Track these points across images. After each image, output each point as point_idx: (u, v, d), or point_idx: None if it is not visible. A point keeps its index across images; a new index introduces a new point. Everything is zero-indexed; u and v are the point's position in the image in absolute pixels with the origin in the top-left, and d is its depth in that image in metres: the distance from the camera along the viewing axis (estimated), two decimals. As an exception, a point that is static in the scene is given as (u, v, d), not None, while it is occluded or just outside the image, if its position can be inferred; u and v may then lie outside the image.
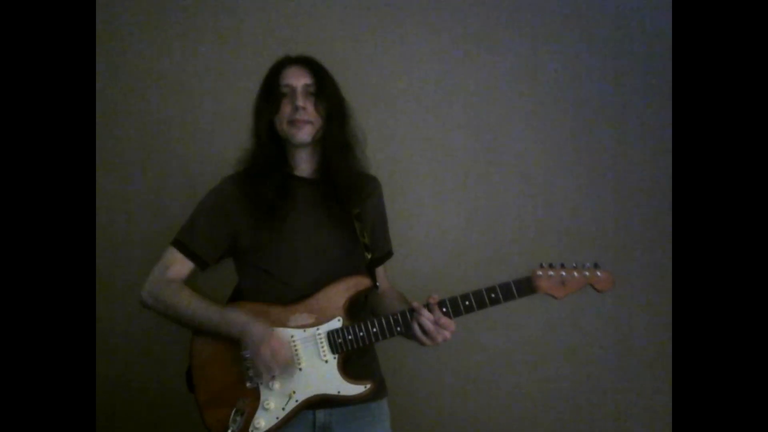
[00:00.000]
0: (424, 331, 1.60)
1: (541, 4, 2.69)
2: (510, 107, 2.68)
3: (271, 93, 1.71)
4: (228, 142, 2.36)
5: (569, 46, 2.70)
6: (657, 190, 2.66)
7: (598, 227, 2.68)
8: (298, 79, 1.70)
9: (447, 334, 1.60)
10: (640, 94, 2.69)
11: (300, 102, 1.68)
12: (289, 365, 1.60)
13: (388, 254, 1.89)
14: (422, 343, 1.62)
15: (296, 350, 1.62)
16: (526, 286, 1.63)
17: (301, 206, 1.70)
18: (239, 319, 1.60)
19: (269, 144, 1.72)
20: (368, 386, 1.63)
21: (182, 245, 1.70)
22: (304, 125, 1.69)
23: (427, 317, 1.60)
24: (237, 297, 1.74)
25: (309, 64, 1.74)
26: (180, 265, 1.69)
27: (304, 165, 1.75)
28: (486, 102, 2.67)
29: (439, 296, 1.62)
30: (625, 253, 2.66)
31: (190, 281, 1.70)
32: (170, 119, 2.53)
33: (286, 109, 1.69)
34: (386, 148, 2.54)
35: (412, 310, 1.62)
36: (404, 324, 1.62)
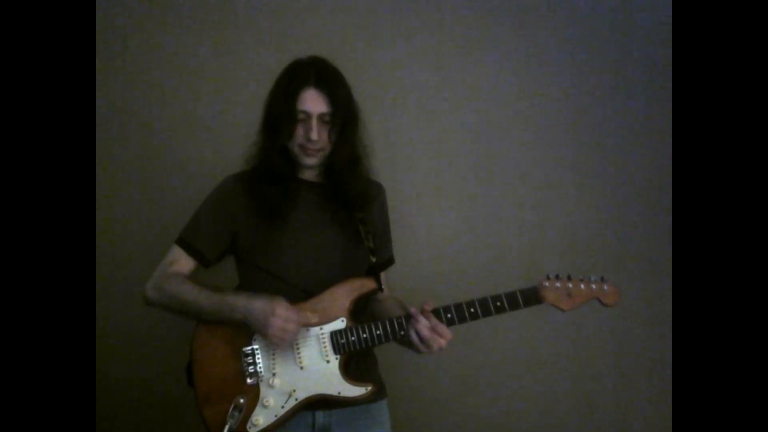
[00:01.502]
0: (421, 338, 1.60)
1: (541, 4, 2.70)
2: (510, 108, 2.69)
3: (287, 117, 1.66)
4: (228, 142, 2.37)
5: (569, 46, 2.70)
6: (657, 190, 2.67)
7: (599, 229, 2.68)
8: (315, 107, 1.66)
9: (442, 342, 1.60)
10: (640, 94, 2.70)
11: (314, 135, 1.65)
12: (305, 324, 1.59)
13: (390, 261, 1.89)
14: (417, 350, 1.62)
15: (298, 349, 1.62)
16: (532, 297, 1.63)
17: (303, 207, 1.71)
18: (240, 301, 1.60)
19: (280, 155, 1.70)
20: (369, 388, 1.63)
21: (186, 243, 1.71)
22: (315, 153, 1.69)
23: (423, 324, 1.59)
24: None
25: (326, 89, 1.68)
26: (183, 263, 1.70)
27: (309, 171, 1.76)
28: (486, 104, 2.67)
29: (440, 302, 1.62)
30: (625, 256, 2.66)
31: (192, 279, 1.71)
32: (170, 119, 2.53)
33: (299, 133, 1.67)
34: (386, 151, 2.53)
35: (409, 317, 1.61)
36: (408, 328, 1.62)
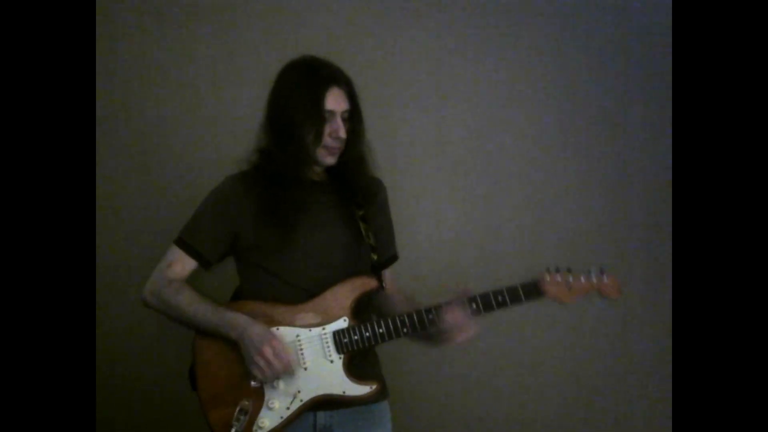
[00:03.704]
0: (454, 326, 1.60)
1: (541, 5, 2.70)
2: (510, 107, 2.69)
3: (316, 120, 1.64)
4: (228, 143, 2.37)
5: (569, 46, 2.70)
6: (657, 190, 2.67)
7: (598, 228, 2.68)
8: (339, 105, 1.66)
9: (471, 332, 1.61)
10: (640, 94, 2.70)
11: (343, 133, 1.66)
12: (291, 366, 1.59)
13: (393, 258, 1.89)
14: (438, 344, 1.62)
15: (301, 350, 1.62)
16: (533, 291, 1.64)
17: (307, 207, 1.69)
18: (239, 320, 1.60)
19: (298, 156, 1.67)
20: (374, 387, 1.63)
21: (185, 244, 1.70)
22: (337, 151, 1.69)
23: (458, 314, 1.60)
24: (239, 297, 1.74)
25: (348, 88, 1.69)
26: (182, 264, 1.69)
27: (314, 170, 1.75)
28: (486, 102, 2.67)
29: (441, 299, 1.62)
30: (625, 254, 2.66)
31: (192, 280, 1.70)
32: (170, 119, 2.53)
33: (323, 132, 1.66)
34: (385, 149, 2.53)
35: (439, 307, 1.61)
36: (411, 325, 1.62)
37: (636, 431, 2.66)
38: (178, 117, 2.54)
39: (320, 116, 1.64)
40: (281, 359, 1.57)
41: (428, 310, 1.63)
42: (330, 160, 1.69)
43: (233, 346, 1.61)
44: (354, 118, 1.70)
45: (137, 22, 2.53)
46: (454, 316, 1.60)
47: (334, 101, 1.65)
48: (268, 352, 1.55)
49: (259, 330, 1.58)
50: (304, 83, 1.66)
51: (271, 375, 1.58)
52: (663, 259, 2.60)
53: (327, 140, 1.66)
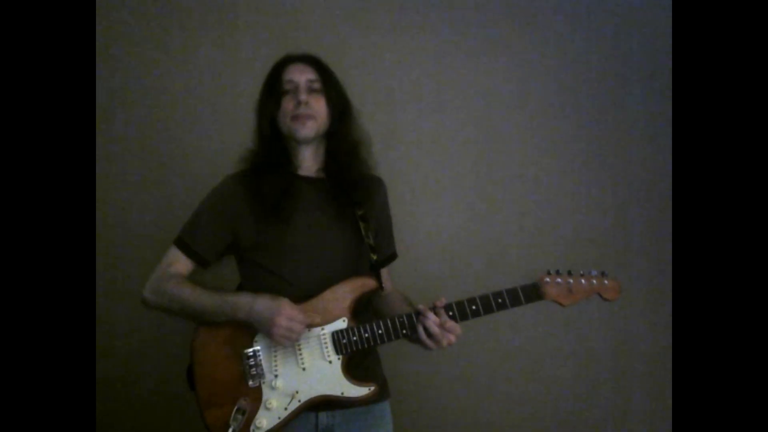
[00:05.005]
0: (429, 335, 1.59)
1: (541, 5, 2.70)
2: (510, 107, 2.69)
3: (273, 89, 1.72)
4: (228, 142, 2.36)
5: (569, 46, 2.70)
6: (657, 190, 2.67)
7: (599, 228, 2.68)
8: (301, 75, 1.71)
9: (452, 338, 1.59)
10: (640, 94, 2.70)
11: (303, 96, 1.69)
12: (310, 322, 1.59)
13: (392, 257, 1.89)
14: (427, 347, 1.61)
15: (300, 350, 1.62)
16: (533, 293, 1.63)
17: (305, 205, 1.70)
18: (243, 300, 1.60)
19: (272, 142, 1.73)
20: (372, 388, 1.62)
21: (184, 244, 1.70)
22: (307, 120, 1.69)
23: (433, 320, 1.58)
24: (238, 295, 1.74)
25: (312, 61, 1.75)
26: (182, 264, 1.69)
27: (308, 163, 1.75)
28: (486, 102, 2.67)
29: (445, 299, 1.62)
30: (625, 255, 2.66)
31: (191, 279, 1.70)
32: (170, 119, 2.53)
33: (288, 105, 1.70)
34: (386, 149, 2.54)
35: (418, 313, 1.61)
36: (410, 326, 1.62)
37: (636, 429, 2.66)
38: (178, 115, 2.54)
39: (278, 86, 1.71)
40: (297, 324, 1.56)
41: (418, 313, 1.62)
42: (302, 131, 1.70)
43: (231, 346, 1.62)
44: (329, 90, 1.73)
45: (137, 22, 2.53)
46: (430, 323, 1.59)
47: (294, 71, 1.72)
48: (281, 321, 1.55)
49: (265, 304, 1.57)
50: (269, 73, 1.77)
51: (294, 341, 1.58)
52: (664, 260, 2.60)
53: (291, 108, 1.70)
